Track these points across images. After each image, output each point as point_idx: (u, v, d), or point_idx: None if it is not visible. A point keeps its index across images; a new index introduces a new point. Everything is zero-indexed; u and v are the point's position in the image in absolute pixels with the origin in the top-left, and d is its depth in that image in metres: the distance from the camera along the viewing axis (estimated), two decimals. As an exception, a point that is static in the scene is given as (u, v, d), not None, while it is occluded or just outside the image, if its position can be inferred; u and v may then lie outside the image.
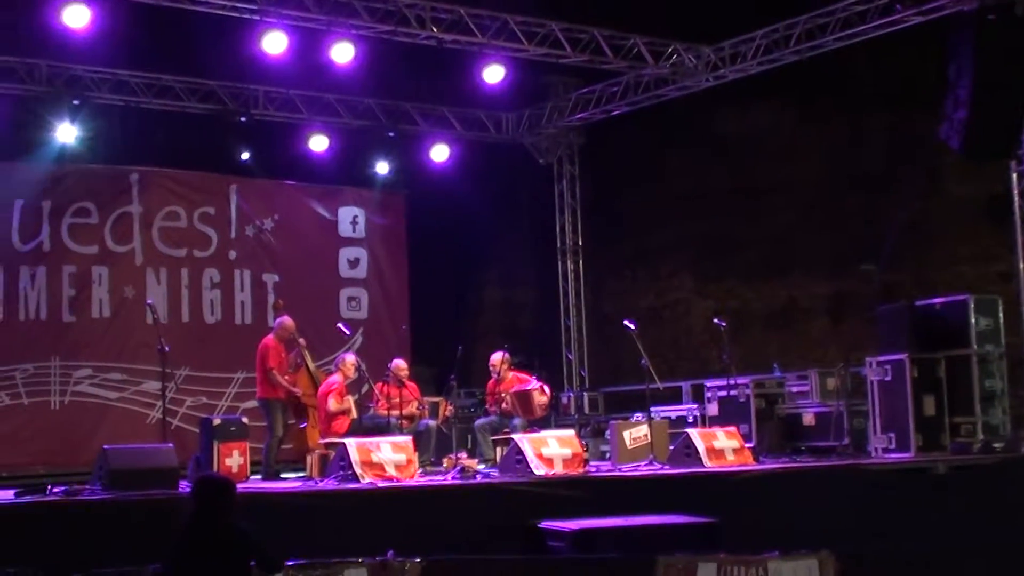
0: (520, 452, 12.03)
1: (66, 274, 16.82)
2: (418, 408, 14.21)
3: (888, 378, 13.57)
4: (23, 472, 15.23)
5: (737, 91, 17.42)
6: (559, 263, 20.42)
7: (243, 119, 17.39)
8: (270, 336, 14.14)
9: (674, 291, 19.51)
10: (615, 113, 18.75)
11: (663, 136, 19.07)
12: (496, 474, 12.30)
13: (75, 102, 16.12)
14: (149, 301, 14.68)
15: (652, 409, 13.96)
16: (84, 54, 15.80)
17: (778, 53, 16.39)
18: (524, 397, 14.43)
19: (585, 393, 18.58)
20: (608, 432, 14.73)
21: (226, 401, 17.29)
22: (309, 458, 13.43)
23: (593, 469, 12.82)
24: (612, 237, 20.21)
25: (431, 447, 13.96)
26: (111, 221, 17.18)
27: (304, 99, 18.23)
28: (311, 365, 14.48)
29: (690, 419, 16.04)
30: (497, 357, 14.84)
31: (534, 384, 14.59)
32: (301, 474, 13.82)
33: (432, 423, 14.12)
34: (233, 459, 12.65)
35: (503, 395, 14.61)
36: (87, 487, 10.60)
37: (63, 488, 10.50)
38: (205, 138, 17.32)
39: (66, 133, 16.19)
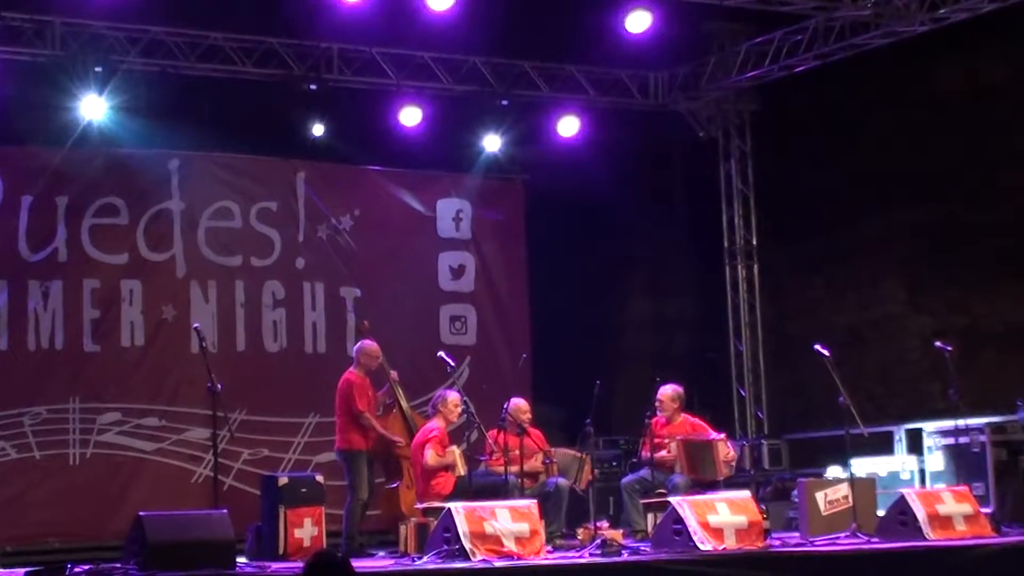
0: (680, 520, 11.98)
1: (88, 290, 17.04)
2: (544, 462, 14.19)
3: None
4: (35, 546, 15.48)
5: (962, 38, 17.18)
6: (726, 268, 20.32)
7: (313, 87, 17.52)
8: (352, 369, 14.21)
9: (882, 303, 19.27)
10: (799, 69, 18.59)
11: (864, 98, 18.87)
12: (648, 550, 12.25)
13: (97, 68, 16.35)
14: (195, 325, 14.78)
15: (854, 462, 13.80)
16: (108, 8, 16.04)
17: (1018, -14, 16.18)
18: (701, 449, 14.37)
19: (764, 442, 18.48)
20: (796, 494, 14.59)
21: (295, 453, 17.42)
22: (403, 528, 13.50)
23: (776, 543, 12.72)
24: (797, 233, 20.02)
25: (562, 514, 13.95)
26: (145, 221, 17.38)
27: (391, 59, 18.32)
28: (405, 406, 14.52)
29: (905, 475, 15.91)
30: (669, 391, 14.84)
31: (718, 436, 14.55)
32: (393, 549, 13.85)
33: (563, 482, 14.08)
34: (305, 530, 12.76)
35: (667, 440, 14.52)
36: (118, 565, 10.72)
37: (87, 567, 10.62)
38: (264, 112, 17.50)
39: (86, 109, 16.45)
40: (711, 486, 13.98)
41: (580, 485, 14.35)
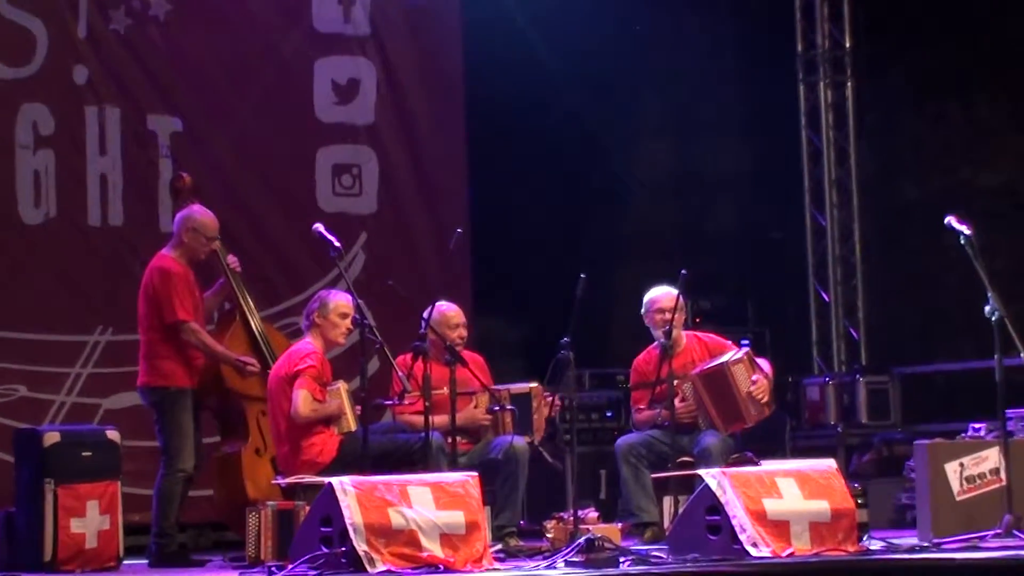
0: (717, 508, 12.05)
1: None
2: (491, 409, 14.26)
3: None
4: None
5: None
6: (800, 89, 20.48)
7: None
8: (168, 253, 14.20)
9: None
10: None
11: None
12: (664, 557, 12.32)
13: None
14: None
15: (1011, 415, 13.84)
16: None
17: None
18: (716, 381, 14.49)
19: (860, 379, 18.62)
20: (912, 465, 14.64)
21: (71, 395, 17.40)
22: (252, 518, 13.47)
23: (880, 547, 12.74)
24: (918, 35, 20.00)
25: (519, 495, 14.09)
26: None
27: None
28: (254, 316, 14.49)
29: (1095, 437, 15.99)
30: (663, 297, 14.82)
31: (735, 353, 14.67)
32: (237, 552, 13.89)
33: (521, 443, 14.15)
34: (88, 521, 12.77)
35: (676, 380, 14.52)
36: None
37: None
38: None
39: None
40: (757, 449, 13.98)
41: (535, 436, 14.44)
